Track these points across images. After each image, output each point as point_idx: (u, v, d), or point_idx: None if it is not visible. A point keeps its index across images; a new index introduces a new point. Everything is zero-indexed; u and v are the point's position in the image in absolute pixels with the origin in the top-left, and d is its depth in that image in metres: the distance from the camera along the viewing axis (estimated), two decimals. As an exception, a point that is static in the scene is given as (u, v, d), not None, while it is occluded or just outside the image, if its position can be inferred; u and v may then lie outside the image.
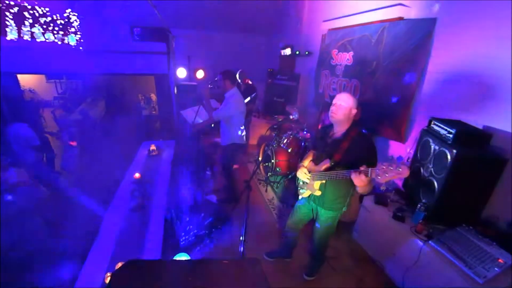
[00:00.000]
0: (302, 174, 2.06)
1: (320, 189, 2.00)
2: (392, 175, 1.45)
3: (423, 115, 2.64)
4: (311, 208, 2.21)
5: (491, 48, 2.11)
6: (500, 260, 1.79)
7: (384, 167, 1.47)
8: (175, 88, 6.07)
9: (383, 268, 2.51)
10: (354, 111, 1.85)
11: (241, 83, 4.80)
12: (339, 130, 1.90)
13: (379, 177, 1.49)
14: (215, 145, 3.83)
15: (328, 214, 2.10)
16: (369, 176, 1.56)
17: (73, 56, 5.57)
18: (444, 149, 2.08)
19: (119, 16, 5.42)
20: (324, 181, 1.94)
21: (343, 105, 1.82)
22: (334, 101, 1.88)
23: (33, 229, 2.45)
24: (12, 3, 4.23)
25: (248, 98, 4.64)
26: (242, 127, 3.23)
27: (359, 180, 1.61)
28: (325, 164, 1.87)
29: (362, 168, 1.58)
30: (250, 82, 4.94)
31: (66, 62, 5.70)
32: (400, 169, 1.43)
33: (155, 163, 3.37)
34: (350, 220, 3.00)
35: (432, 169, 2.20)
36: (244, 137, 3.35)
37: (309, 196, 2.13)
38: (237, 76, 4.50)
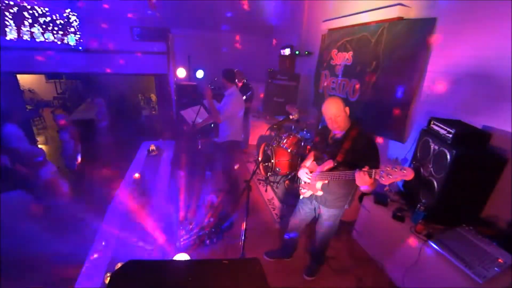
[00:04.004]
0: (303, 175, 2.06)
1: (322, 188, 2.00)
2: (396, 177, 1.45)
3: (423, 115, 2.64)
4: (313, 207, 2.22)
5: (491, 48, 2.11)
6: (500, 260, 1.79)
7: (388, 168, 1.47)
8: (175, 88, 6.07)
9: (383, 268, 2.51)
10: (347, 109, 1.85)
11: (237, 82, 4.81)
12: (339, 131, 1.91)
13: (382, 179, 1.49)
14: (214, 144, 3.85)
15: (330, 212, 2.11)
16: (372, 177, 1.56)
17: (73, 56, 5.57)
18: (443, 149, 2.08)
19: (119, 16, 5.41)
20: (326, 181, 1.94)
21: (337, 114, 1.81)
22: (326, 116, 1.87)
23: (32, 230, 2.45)
24: (12, 3, 4.22)
25: (244, 97, 4.65)
26: (241, 125, 3.23)
27: (363, 181, 1.61)
28: (329, 165, 1.87)
29: (365, 169, 1.58)
30: (245, 82, 4.94)
31: (66, 62, 5.71)
32: (404, 171, 1.43)
33: (155, 163, 3.37)
34: (350, 220, 3.00)
35: (431, 169, 2.20)
36: (242, 134, 3.35)
37: (310, 195, 2.13)
38: None
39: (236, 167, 3.48)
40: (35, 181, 2.93)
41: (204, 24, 6.41)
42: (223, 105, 3.09)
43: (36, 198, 2.65)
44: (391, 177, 1.46)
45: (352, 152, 1.79)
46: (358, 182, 1.65)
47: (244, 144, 5.35)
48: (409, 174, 1.43)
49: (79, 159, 4.21)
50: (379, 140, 3.27)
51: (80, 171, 4.11)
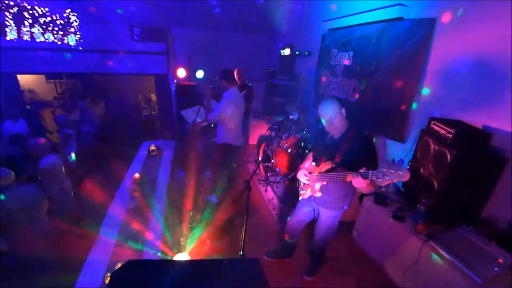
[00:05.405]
0: (302, 176, 2.06)
1: (321, 190, 2.00)
2: (392, 178, 1.43)
3: (423, 115, 2.64)
4: (312, 208, 2.21)
5: (490, 48, 2.11)
6: (500, 260, 1.79)
7: (384, 170, 1.45)
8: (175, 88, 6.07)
9: (383, 268, 2.51)
10: (343, 111, 1.84)
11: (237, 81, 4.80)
12: (337, 132, 1.91)
13: (379, 180, 1.48)
14: (213, 144, 3.86)
15: (330, 213, 2.10)
16: (369, 178, 1.55)
17: (73, 56, 5.57)
18: (443, 149, 2.08)
19: (119, 16, 5.41)
20: (325, 182, 1.94)
21: (332, 116, 1.81)
22: (322, 119, 1.87)
23: (31, 229, 2.45)
24: (12, 3, 4.22)
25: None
26: (239, 128, 3.21)
27: (358, 183, 1.61)
28: (326, 166, 1.87)
29: (361, 171, 1.57)
30: (245, 82, 4.93)
31: (66, 62, 5.70)
32: (400, 173, 1.41)
33: (155, 163, 3.36)
34: (350, 220, 3.00)
35: (431, 169, 2.20)
36: (240, 138, 3.33)
37: (310, 196, 2.13)
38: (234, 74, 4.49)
39: (233, 169, 3.46)
40: (36, 170, 2.95)
41: (204, 24, 6.41)
42: (216, 106, 3.09)
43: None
44: (387, 178, 1.45)
45: (350, 153, 1.79)
46: (355, 184, 1.64)
47: (243, 146, 5.31)
48: (404, 175, 1.42)
49: (75, 158, 4.22)
50: (379, 140, 3.27)
51: (80, 170, 4.12)
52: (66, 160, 4.13)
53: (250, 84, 4.95)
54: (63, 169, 3.16)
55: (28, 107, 6.59)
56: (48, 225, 2.64)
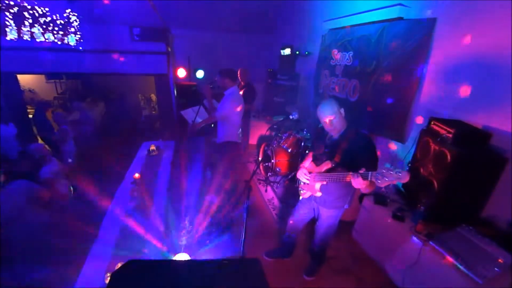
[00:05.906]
0: (302, 176, 2.06)
1: (321, 189, 2.00)
2: (391, 179, 1.45)
3: (423, 115, 2.64)
4: (312, 207, 2.22)
5: (490, 48, 2.10)
6: (500, 260, 1.79)
7: (384, 171, 1.47)
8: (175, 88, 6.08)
9: (383, 268, 2.51)
10: (342, 111, 1.85)
11: (240, 81, 4.80)
12: (336, 132, 1.91)
13: (378, 181, 1.49)
14: (213, 144, 3.87)
15: (330, 213, 2.11)
16: (368, 179, 1.56)
17: (73, 56, 5.57)
18: (443, 149, 2.08)
19: (119, 16, 5.41)
20: (325, 182, 1.94)
21: (332, 117, 1.82)
22: (322, 119, 1.88)
23: (31, 227, 2.45)
24: (12, 3, 4.22)
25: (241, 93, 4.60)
26: (240, 128, 3.22)
27: (358, 183, 1.61)
28: (326, 165, 1.87)
29: (361, 172, 1.58)
30: (249, 82, 4.93)
31: (66, 62, 5.71)
32: (400, 174, 1.43)
33: (155, 163, 3.37)
34: (350, 220, 3.00)
35: (431, 169, 2.20)
36: (240, 135, 3.34)
37: (310, 195, 2.13)
38: (238, 74, 4.49)
39: (234, 168, 3.47)
40: (36, 179, 2.96)
41: (204, 24, 6.41)
42: (220, 104, 3.10)
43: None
44: (386, 179, 1.46)
45: (350, 153, 1.79)
46: (354, 185, 1.64)
47: (244, 146, 5.31)
48: (404, 177, 1.43)
49: (73, 156, 4.24)
50: (379, 140, 3.27)
51: (80, 171, 4.12)
52: (66, 160, 4.14)
53: (253, 85, 4.94)
54: (63, 171, 3.17)
55: (31, 108, 6.59)
56: (46, 218, 2.63)
